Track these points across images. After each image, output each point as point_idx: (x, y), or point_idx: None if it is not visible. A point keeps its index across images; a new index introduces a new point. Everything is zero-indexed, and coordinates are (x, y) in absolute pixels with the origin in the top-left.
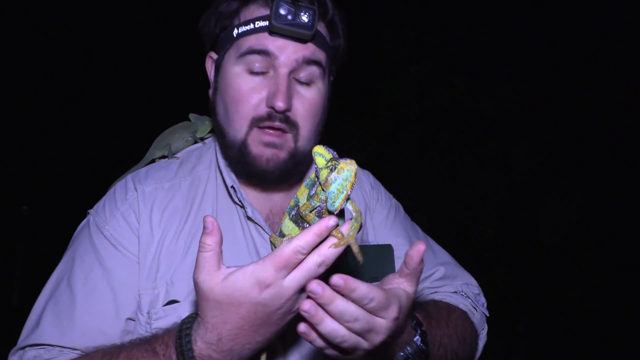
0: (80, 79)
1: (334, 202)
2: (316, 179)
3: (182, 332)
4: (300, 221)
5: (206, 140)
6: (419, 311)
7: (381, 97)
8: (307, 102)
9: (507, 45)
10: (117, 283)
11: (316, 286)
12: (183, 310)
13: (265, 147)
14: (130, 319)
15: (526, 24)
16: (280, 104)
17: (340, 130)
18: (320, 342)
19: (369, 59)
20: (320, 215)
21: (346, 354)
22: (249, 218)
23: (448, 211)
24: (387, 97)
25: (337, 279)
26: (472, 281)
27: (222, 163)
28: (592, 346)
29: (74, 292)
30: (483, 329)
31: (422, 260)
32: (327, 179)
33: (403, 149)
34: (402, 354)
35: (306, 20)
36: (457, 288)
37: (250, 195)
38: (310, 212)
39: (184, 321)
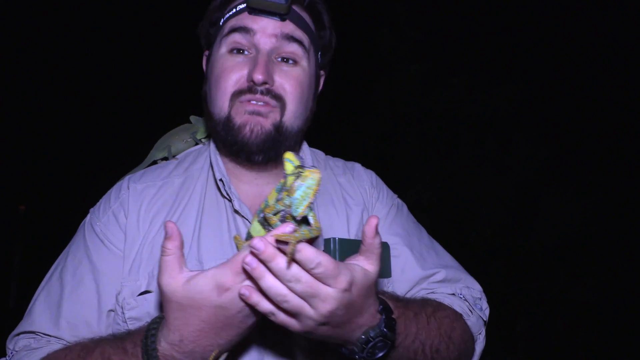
0: (80, 81)
1: (297, 207)
2: (284, 184)
3: (149, 332)
4: (266, 224)
5: (205, 142)
6: (394, 301)
7: (380, 96)
8: (291, 78)
9: (505, 45)
10: (100, 277)
11: (258, 242)
12: (154, 300)
13: (249, 115)
14: (112, 311)
15: (525, 23)
16: (258, 76)
17: (339, 130)
18: (264, 305)
19: (368, 58)
20: (283, 220)
21: (293, 317)
22: (236, 212)
23: (446, 211)
24: (386, 97)
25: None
26: (475, 285)
27: (213, 156)
28: (590, 346)
29: (64, 283)
30: (480, 333)
31: (376, 234)
32: (292, 185)
33: (402, 149)
34: (363, 337)
35: None
36: (455, 290)
37: (243, 189)
38: (275, 214)
39: (152, 321)
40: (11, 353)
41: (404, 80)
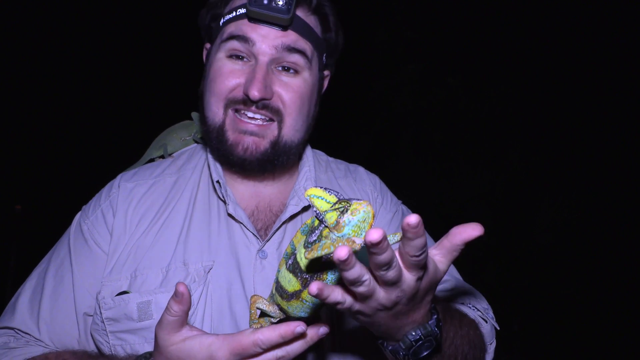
0: (77, 79)
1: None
2: (315, 225)
3: None
4: (299, 270)
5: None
6: (437, 302)
7: (376, 96)
8: (291, 90)
9: (501, 45)
10: (79, 278)
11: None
12: (131, 302)
13: (243, 135)
14: (88, 314)
15: (521, 23)
16: (254, 93)
17: (334, 130)
18: (335, 296)
19: (364, 58)
20: (328, 260)
21: (360, 301)
22: (230, 215)
23: (442, 210)
24: (382, 97)
25: (375, 235)
26: (481, 297)
27: (210, 157)
28: (586, 345)
29: (46, 282)
30: (491, 344)
31: (464, 244)
32: (337, 221)
33: (397, 148)
34: (413, 333)
35: (281, 3)
36: (464, 300)
37: (239, 189)
38: (322, 265)
39: (141, 356)
40: None
41: (400, 80)
